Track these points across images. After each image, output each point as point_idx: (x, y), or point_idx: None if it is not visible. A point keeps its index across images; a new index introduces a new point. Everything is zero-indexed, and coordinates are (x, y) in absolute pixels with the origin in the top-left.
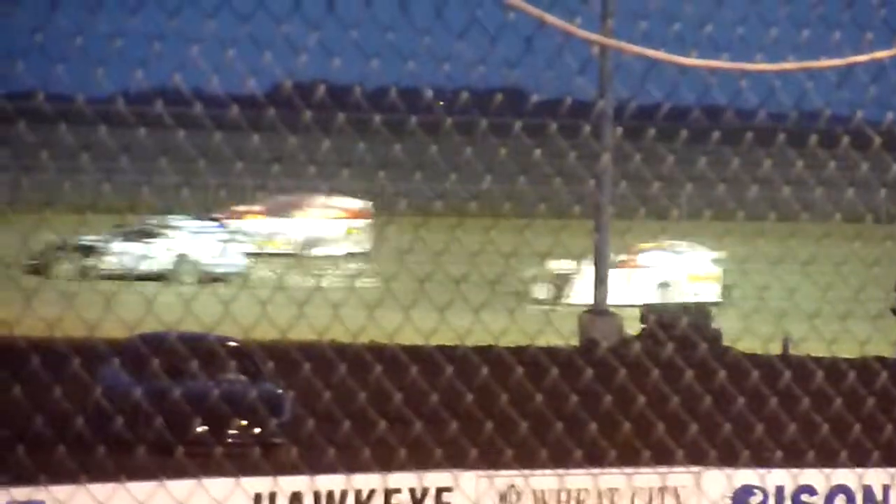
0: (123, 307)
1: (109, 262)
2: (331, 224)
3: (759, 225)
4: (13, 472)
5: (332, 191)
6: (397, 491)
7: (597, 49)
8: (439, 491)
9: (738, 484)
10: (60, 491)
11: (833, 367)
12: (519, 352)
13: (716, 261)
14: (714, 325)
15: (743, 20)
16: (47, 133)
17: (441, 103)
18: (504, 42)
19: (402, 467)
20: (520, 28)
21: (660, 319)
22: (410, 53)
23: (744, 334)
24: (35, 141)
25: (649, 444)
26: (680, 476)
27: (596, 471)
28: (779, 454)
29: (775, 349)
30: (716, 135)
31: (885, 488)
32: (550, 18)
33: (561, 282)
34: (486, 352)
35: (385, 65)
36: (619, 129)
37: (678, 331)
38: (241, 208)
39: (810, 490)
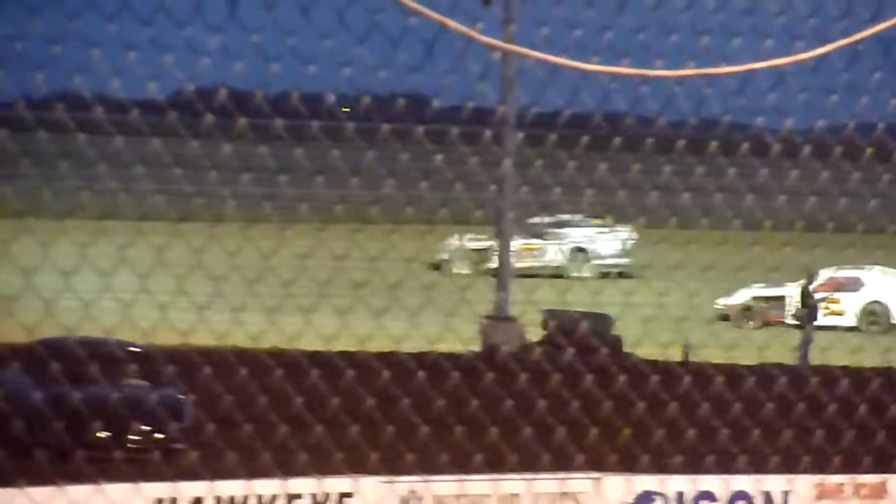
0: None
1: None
2: None
3: (660, 231)
4: None
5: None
6: (298, 497)
7: (498, 54)
8: (341, 496)
9: (638, 489)
10: None
11: (732, 374)
12: (420, 357)
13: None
14: (614, 331)
15: (643, 27)
16: None
17: (345, 109)
18: (405, 47)
19: (303, 472)
20: (421, 33)
21: (560, 325)
22: (312, 57)
23: (644, 340)
24: None
25: (549, 449)
26: (580, 482)
27: (496, 476)
28: (678, 460)
29: (675, 355)
30: (616, 141)
31: (785, 494)
32: (452, 23)
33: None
34: (387, 357)
35: (287, 69)
36: (521, 135)
37: (578, 336)
38: None
39: (710, 496)
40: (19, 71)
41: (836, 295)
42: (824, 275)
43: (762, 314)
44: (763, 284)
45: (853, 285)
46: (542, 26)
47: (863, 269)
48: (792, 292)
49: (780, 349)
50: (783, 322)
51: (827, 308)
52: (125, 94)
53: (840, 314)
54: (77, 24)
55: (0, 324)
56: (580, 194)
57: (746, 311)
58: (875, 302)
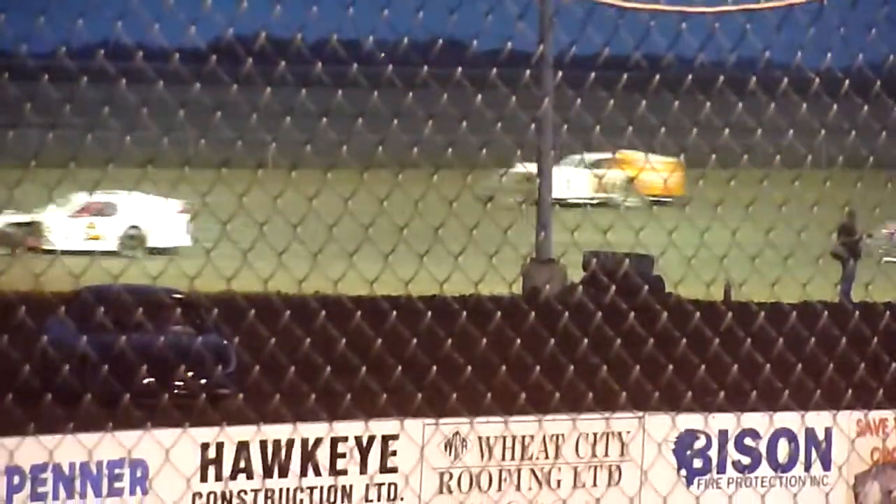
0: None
1: None
2: None
3: (700, 171)
4: None
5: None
6: (343, 439)
7: None
8: (385, 438)
9: (682, 428)
10: (9, 441)
11: (775, 311)
12: (462, 300)
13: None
14: (656, 271)
15: None
16: None
17: (383, 55)
18: None
19: (348, 416)
20: None
21: (602, 266)
22: (351, 1)
23: (685, 279)
24: None
25: (593, 389)
26: (624, 421)
27: (540, 417)
28: (722, 398)
29: (718, 294)
30: (656, 80)
31: (827, 431)
32: None
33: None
34: (429, 300)
35: (326, 13)
36: (559, 76)
37: (620, 277)
38: None
39: (753, 434)
40: (60, 19)
41: (94, 220)
42: (80, 200)
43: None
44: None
45: (109, 210)
46: None
47: (118, 193)
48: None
49: None
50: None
51: (87, 234)
52: (166, 41)
53: (98, 238)
54: None
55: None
56: (620, 134)
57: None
58: (133, 227)
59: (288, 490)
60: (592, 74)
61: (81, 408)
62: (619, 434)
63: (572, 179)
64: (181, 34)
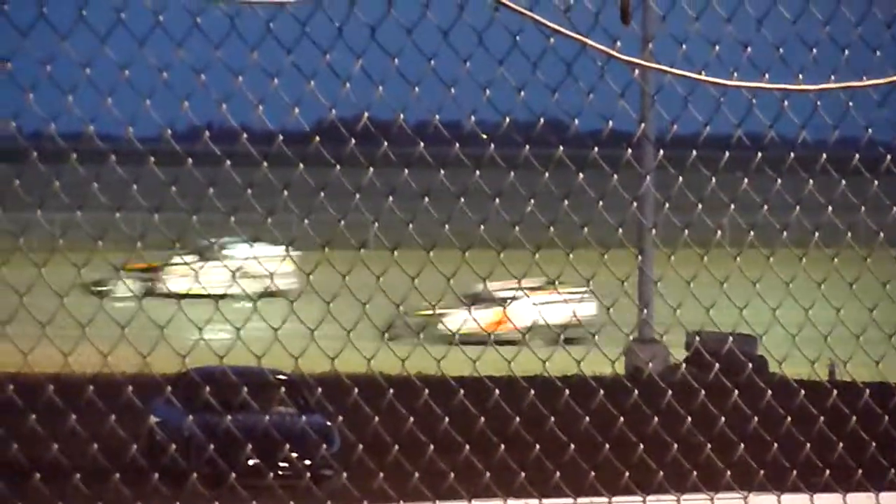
0: None
1: None
2: None
3: (802, 250)
4: (69, 501)
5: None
6: None
7: (638, 73)
8: None
9: None
10: None
11: (882, 390)
12: (566, 379)
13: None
14: (758, 351)
15: (784, 41)
16: (98, 170)
17: (484, 135)
18: (545, 68)
19: (453, 495)
20: (561, 52)
21: (705, 345)
22: (452, 80)
23: (789, 358)
24: (86, 178)
25: (697, 467)
26: (728, 501)
27: (645, 496)
28: (828, 477)
29: (822, 374)
30: (757, 158)
31: None
32: (591, 43)
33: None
34: (533, 380)
35: (427, 93)
36: (661, 154)
37: (724, 356)
38: None
39: None
40: (165, 101)
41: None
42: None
43: None
44: None
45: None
46: (681, 43)
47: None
48: None
49: None
50: None
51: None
52: (270, 123)
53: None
54: (222, 53)
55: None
56: (722, 212)
57: None
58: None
59: None
60: (694, 153)
61: (187, 488)
62: None
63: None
64: (285, 116)
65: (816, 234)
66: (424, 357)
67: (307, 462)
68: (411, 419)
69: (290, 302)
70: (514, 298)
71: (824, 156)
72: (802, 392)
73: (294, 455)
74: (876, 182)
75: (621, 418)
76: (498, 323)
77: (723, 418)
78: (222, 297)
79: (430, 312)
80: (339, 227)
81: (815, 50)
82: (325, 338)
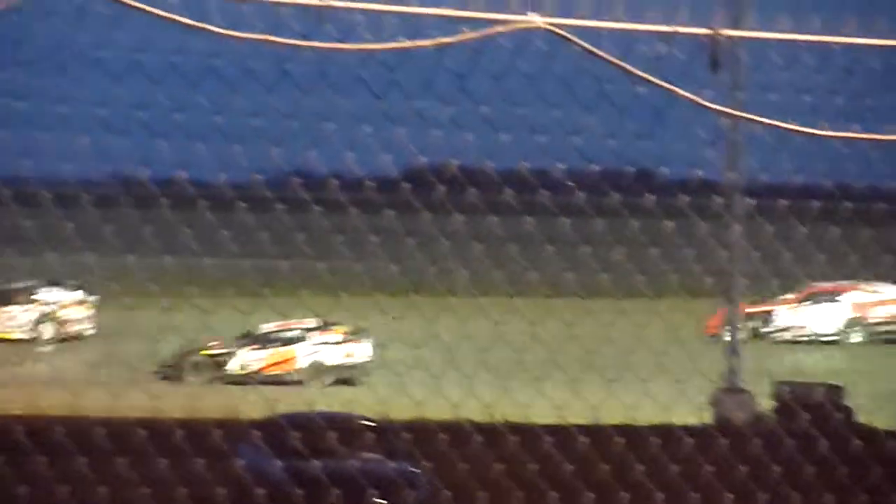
0: None
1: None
2: None
3: None
4: None
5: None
6: None
7: (727, 121)
8: None
9: None
10: None
11: None
12: (655, 429)
13: None
14: (846, 401)
15: (873, 91)
16: (188, 214)
17: (572, 182)
18: (633, 115)
19: None
20: (650, 100)
21: (793, 395)
22: (540, 128)
23: (878, 411)
24: (177, 221)
25: None
26: None
27: None
28: None
29: None
30: (847, 207)
31: None
32: (680, 91)
33: None
34: (622, 429)
35: (516, 140)
36: (750, 203)
37: (812, 406)
38: None
39: None
40: (255, 147)
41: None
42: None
43: None
44: None
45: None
46: (770, 92)
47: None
48: None
49: None
50: None
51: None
52: (360, 170)
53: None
54: (311, 99)
55: (241, 399)
56: (810, 261)
57: None
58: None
59: None
60: (783, 202)
61: None
62: None
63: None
64: (374, 162)
65: None
66: (212, 396)
67: None
68: (498, 467)
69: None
70: (297, 339)
71: None
72: (890, 442)
73: (381, 501)
74: None
75: (709, 466)
76: (280, 363)
77: (811, 467)
78: None
79: (216, 352)
80: (428, 272)
81: None
82: (413, 383)
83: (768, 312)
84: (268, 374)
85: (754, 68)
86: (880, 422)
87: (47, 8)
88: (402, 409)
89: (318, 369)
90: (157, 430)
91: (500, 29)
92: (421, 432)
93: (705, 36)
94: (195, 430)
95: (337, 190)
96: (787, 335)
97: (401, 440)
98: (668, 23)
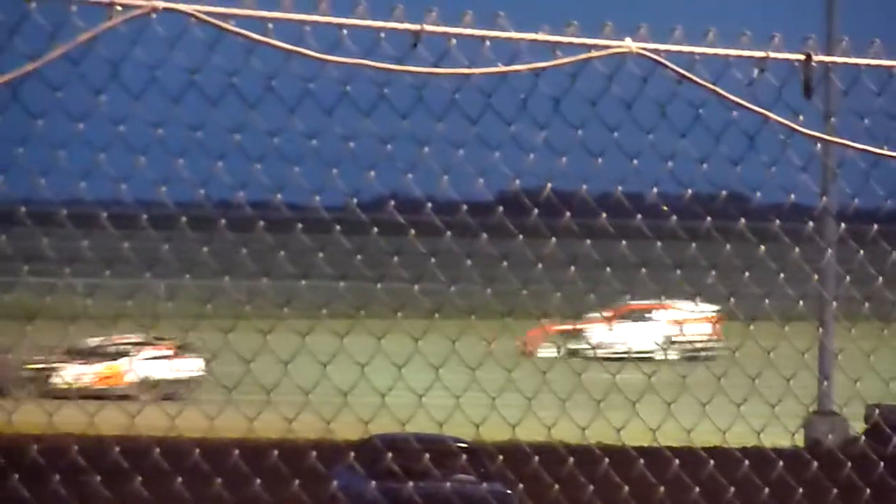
0: None
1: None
2: None
3: None
4: None
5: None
6: None
7: (820, 146)
8: None
9: None
10: None
11: None
12: (745, 451)
13: None
14: None
15: None
16: (285, 238)
17: (665, 208)
18: (727, 141)
19: None
20: (743, 125)
21: (885, 418)
22: (634, 152)
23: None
24: (274, 245)
25: None
26: None
27: None
28: None
29: None
30: None
31: None
32: (773, 116)
33: None
34: (712, 450)
35: (610, 164)
36: (842, 228)
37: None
38: None
39: None
40: (351, 171)
41: None
42: None
43: None
44: None
45: None
46: (863, 118)
47: None
48: None
49: None
50: None
51: None
52: (454, 193)
53: None
54: (406, 123)
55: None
56: None
57: None
58: None
59: None
60: (875, 227)
61: None
62: None
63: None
64: (469, 186)
65: None
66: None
67: None
68: (591, 488)
69: None
70: (124, 353)
71: None
72: None
73: None
74: None
75: (800, 490)
76: (109, 377)
77: None
78: None
79: (41, 366)
80: (521, 296)
81: None
82: (507, 406)
83: (580, 330)
84: (97, 387)
85: (847, 95)
86: None
87: (146, 31)
88: (495, 433)
89: (148, 384)
90: (253, 450)
91: (595, 54)
92: (513, 454)
93: (798, 61)
94: (290, 451)
95: (431, 213)
96: (601, 352)
97: (494, 462)
98: (761, 48)
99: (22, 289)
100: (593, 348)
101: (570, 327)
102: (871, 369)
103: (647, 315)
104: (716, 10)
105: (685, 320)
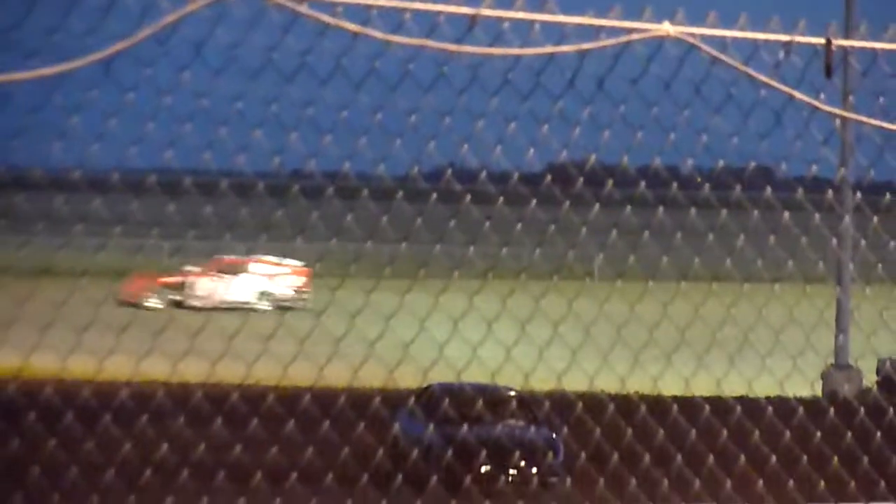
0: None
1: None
2: None
3: None
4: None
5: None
6: None
7: (839, 122)
8: None
9: None
10: None
11: None
12: (769, 400)
13: None
14: None
15: None
16: (353, 203)
17: (699, 179)
18: (756, 117)
19: (665, 499)
20: (770, 102)
21: (894, 370)
22: (672, 126)
23: None
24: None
25: (885, 478)
26: None
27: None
28: None
29: None
30: None
31: None
32: (798, 94)
33: None
34: (740, 399)
35: (649, 137)
36: (858, 196)
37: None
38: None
39: None
40: (412, 143)
41: None
42: None
43: None
44: None
45: None
46: (879, 96)
47: None
48: None
49: None
50: None
51: None
52: (507, 163)
53: None
54: (463, 99)
55: (399, 370)
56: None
57: None
58: None
59: None
60: (887, 196)
61: (428, 490)
62: None
63: None
64: (520, 157)
65: None
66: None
67: (534, 470)
68: (629, 432)
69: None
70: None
71: None
72: None
73: (523, 463)
74: None
75: (818, 434)
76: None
77: None
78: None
79: (173, 281)
80: (568, 257)
81: None
82: (553, 358)
83: (182, 283)
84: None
85: (865, 75)
86: None
87: (226, 14)
88: (542, 382)
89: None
90: (322, 399)
91: (636, 37)
92: (559, 401)
93: (820, 45)
94: (358, 398)
95: (486, 182)
96: (203, 303)
97: (541, 408)
98: (787, 32)
99: (150, 248)
100: (196, 298)
101: (172, 280)
102: (884, 327)
103: (241, 268)
104: None
105: (278, 274)
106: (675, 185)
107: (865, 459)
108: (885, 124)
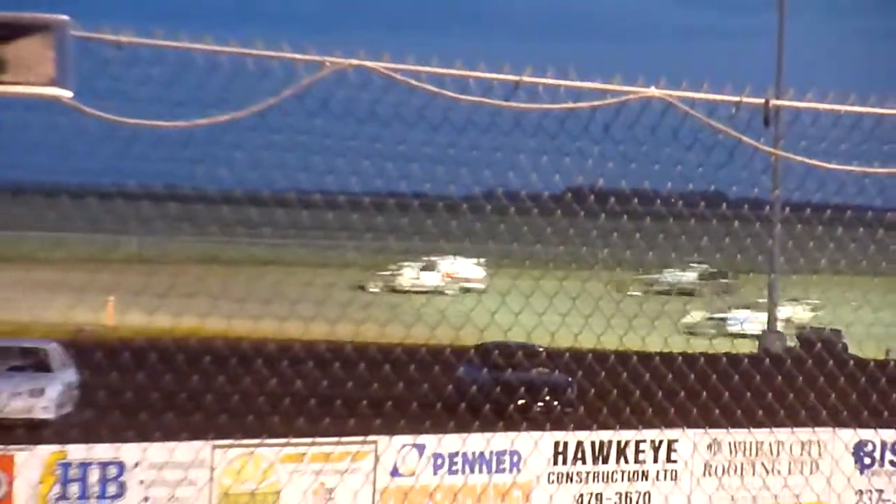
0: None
1: None
2: None
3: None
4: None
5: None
6: (643, 441)
7: (773, 158)
8: (670, 442)
9: (860, 437)
10: (447, 437)
11: None
12: (722, 355)
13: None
14: (842, 340)
15: (867, 138)
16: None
17: (674, 199)
18: (715, 153)
19: (647, 426)
20: (726, 143)
21: (808, 336)
22: (655, 160)
23: (862, 345)
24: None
25: (806, 410)
26: (823, 433)
27: (773, 429)
28: (886, 418)
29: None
30: (847, 216)
31: None
32: (745, 139)
33: None
34: (703, 355)
35: (639, 167)
36: (787, 213)
37: (819, 342)
38: None
39: None
40: (475, 169)
41: None
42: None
43: None
44: None
45: None
46: (801, 140)
47: None
48: None
49: None
50: None
51: None
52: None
53: None
54: (510, 139)
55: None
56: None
57: None
58: None
59: (607, 472)
60: (808, 211)
61: (481, 417)
62: (820, 441)
63: None
64: (550, 181)
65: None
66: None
67: (556, 403)
68: (624, 374)
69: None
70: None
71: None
72: (871, 364)
73: (548, 398)
74: None
75: (758, 377)
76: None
77: (821, 379)
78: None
79: (388, 272)
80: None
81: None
82: (572, 324)
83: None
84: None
85: (793, 123)
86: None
87: (341, 79)
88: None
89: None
90: (406, 351)
91: (632, 97)
92: (575, 354)
93: (761, 103)
94: (432, 351)
95: (525, 199)
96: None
97: (560, 359)
98: (738, 94)
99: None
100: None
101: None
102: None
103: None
104: (703, 61)
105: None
106: (658, 201)
107: (791, 395)
108: (805, 160)
